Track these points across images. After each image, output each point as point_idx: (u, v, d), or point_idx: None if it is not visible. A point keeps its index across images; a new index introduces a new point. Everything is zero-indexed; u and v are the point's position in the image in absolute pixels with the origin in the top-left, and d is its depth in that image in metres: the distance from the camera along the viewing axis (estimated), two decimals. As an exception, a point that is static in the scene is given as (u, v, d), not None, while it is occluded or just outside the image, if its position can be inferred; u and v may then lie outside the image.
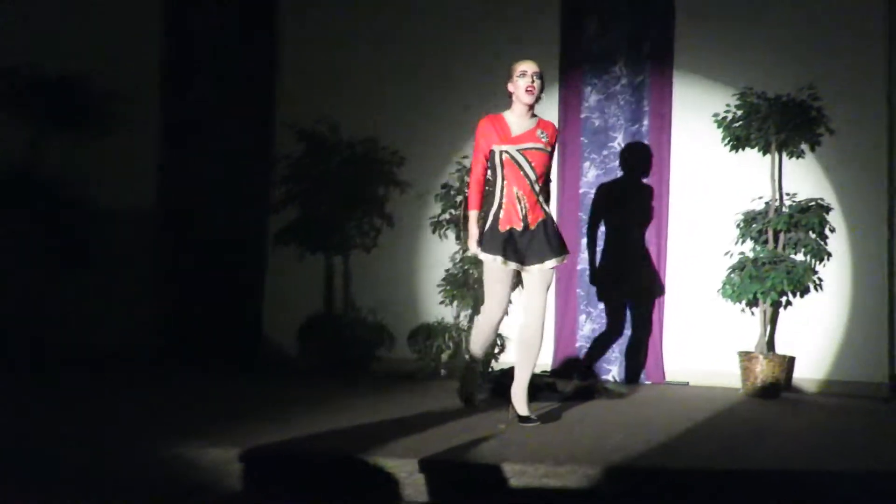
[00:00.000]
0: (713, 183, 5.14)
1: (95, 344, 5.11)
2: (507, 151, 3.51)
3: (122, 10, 5.55)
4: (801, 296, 4.75)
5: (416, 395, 4.36)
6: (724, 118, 4.84)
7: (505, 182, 3.53)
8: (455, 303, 5.12)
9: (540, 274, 3.51)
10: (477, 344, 3.75)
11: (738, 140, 4.85)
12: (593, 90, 5.37)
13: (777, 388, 4.61)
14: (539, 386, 4.43)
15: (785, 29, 5.10)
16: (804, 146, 4.80)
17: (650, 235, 5.20)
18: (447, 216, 5.17)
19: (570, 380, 4.76)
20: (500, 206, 3.52)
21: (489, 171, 3.61)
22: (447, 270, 5.17)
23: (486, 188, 3.61)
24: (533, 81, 3.50)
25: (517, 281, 3.62)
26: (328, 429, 3.28)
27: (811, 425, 3.71)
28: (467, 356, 3.92)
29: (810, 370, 4.93)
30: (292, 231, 5.33)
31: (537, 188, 3.54)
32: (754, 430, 3.47)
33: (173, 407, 3.77)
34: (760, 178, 4.89)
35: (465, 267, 5.06)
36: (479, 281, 4.99)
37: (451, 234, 5.18)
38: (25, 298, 5.00)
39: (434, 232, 5.20)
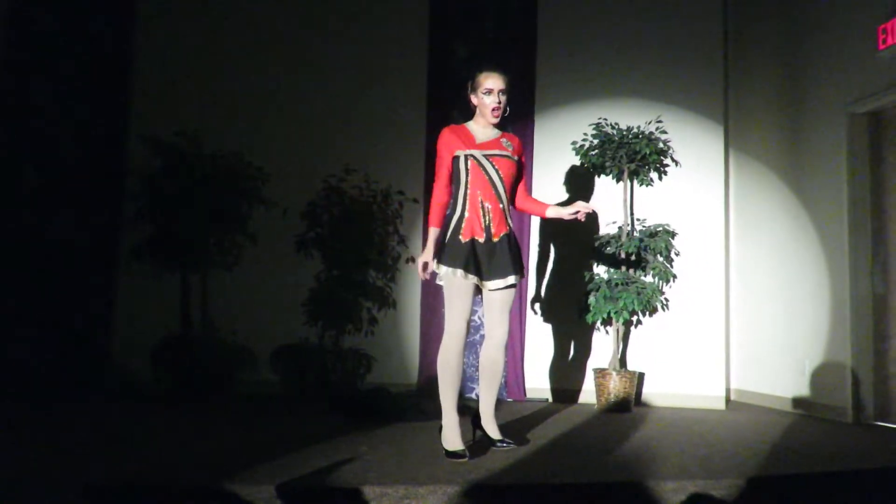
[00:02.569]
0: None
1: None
2: (472, 156, 3.27)
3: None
4: (651, 315, 5.05)
5: (277, 418, 4.24)
6: (582, 146, 5.08)
7: (469, 189, 3.26)
8: (320, 323, 5.04)
9: (501, 294, 3.28)
10: (446, 369, 3.24)
11: (594, 167, 5.11)
12: (460, 114, 5.48)
13: (628, 403, 4.85)
14: (404, 406, 4.44)
15: (637, 68, 5.48)
16: (653, 175, 5.13)
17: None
18: (312, 234, 5.09)
19: (435, 399, 4.78)
20: (461, 215, 3.26)
21: (452, 179, 3.33)
22: (312, 290, 5.08)
23: (450, 200, 3.34)
24: (499, 100, 3.31)
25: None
26: (180, 456, 3.12)
27: (656, 437, 3.92)
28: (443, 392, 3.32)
29: (658, 385, 5.24)
30: (147, 248, 5.03)
31: (505, 199, 3.30)
32: (605, 444, 3.62)
33: (7, 441, 3.45)
34: (615, 204, 5.18)
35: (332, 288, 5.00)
36: (345, 301, 4.97)
37: (317, 253, 5.09)
38: None
39: (299, 251, 5.09)
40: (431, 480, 2.74)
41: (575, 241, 5.32)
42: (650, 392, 5.26)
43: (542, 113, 5.53)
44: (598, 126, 5.08)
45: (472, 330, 5.28)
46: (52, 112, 5.27)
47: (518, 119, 5.41)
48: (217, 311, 5.23)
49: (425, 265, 3.31)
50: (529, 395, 5.30)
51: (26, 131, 5.25)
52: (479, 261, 3.25)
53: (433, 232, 3.33)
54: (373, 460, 3.07)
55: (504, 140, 3.39)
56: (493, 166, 3.30)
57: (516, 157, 3.37)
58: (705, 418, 4.67)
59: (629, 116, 5.20)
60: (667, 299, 5.03)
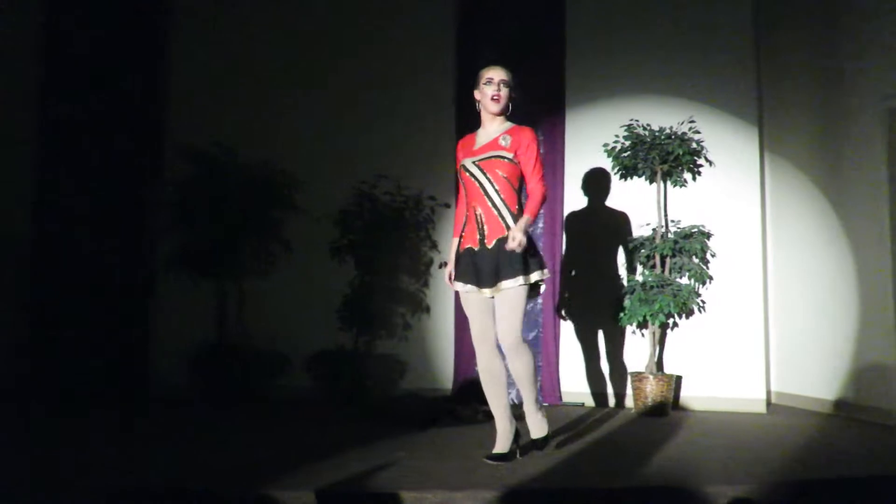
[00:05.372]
0: (605, 209, 5.34)
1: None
2: (464, 165, 3.31)
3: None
4: (687, 317, 4.98)
5: (313, 424, 4.28)
6: (613, 148, 5.04)
7: (467, 199, 3.33)
8: (354, 329, 5.07)
9: (500, 296, 3.22)
10: (481, 377, 3.35)
11: (626, 169, 5.06)
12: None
13: (666, 407, 4.79)
14: (439, 411, 4.44)
15: (667, 67, 5.40)
16: (687, 176, 5.07)
17: (545, 262, 5.32)
18: (345, 241, 5.13)
19: (470, 404, 4.79)
20: (464, 226, 3.35)
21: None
22: (345, 296, 5.12)
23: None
24: (499, 89, 3.30)
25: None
26: (220, 461, 3.16)
27: (695, 441, 3.87)
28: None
29: (696, 388, 5.17)
30: (183, 256, 5.11)
31: (496, 201, 3.24)
32: (644, 449, 3.58)
33: (45, 446, 3.54)
34: (648, 206, 5.12)
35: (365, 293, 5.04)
36: (379, 307, 5.01)
37: (350, 260, 5.13)
38: None
39: (333, 257, 5.14)
40: (468, 485, 2.74)
41: (608, 244, 5.28)
42: (688, 395, 5.18)
43: (573, 114, 5.48)
44: (629, 127, 5.03)
45: (506, 334, 5.26)
46: (91, 126, 5.39)
47: (549, 120, 5.40)
48: (253, 317, 5.28)
49: (451, 274, 3.40)
50: (565, 399, 5.26)
51: (67, 145, 5.38)
52: (476, 269, 3.25)
53: (453, 242, 3.44)
54: (409, 465, 3.08)
55: (503, 138, 3.31)
56: (482, 171, 3.27)
57: (510, 154, 3.26)
58: (745, 421, 4.59)
59: (661, 117, 5.14)
60: (703, 301, 4.96)
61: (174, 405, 4.87)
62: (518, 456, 3.29)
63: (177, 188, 5.15)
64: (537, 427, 3.41)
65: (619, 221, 5.29)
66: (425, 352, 5.42)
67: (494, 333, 3.31)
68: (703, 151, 5.03)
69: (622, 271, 5.17)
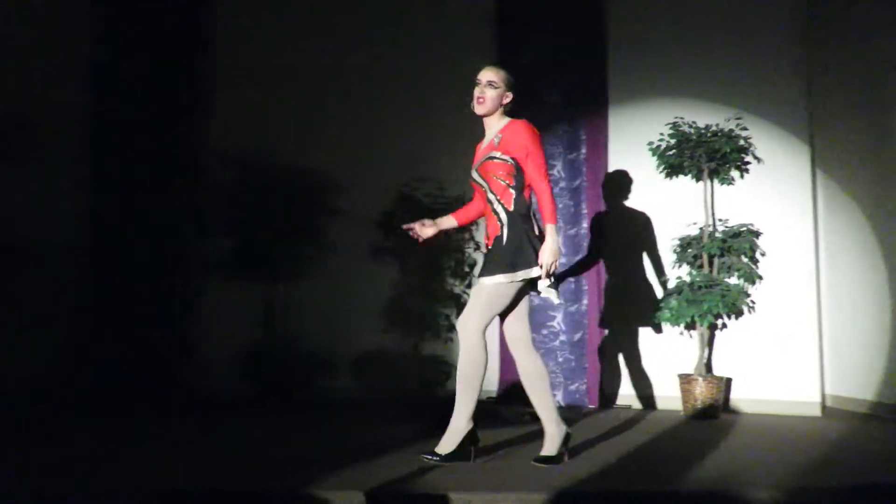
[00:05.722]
0: (650, 209, 5.26)
1: (12, 376, 4.85)
2: (470, 174, 3.39)
3: (47, 39, 5.40)
4: (736, 318, 4.88)
5: (358, 425, 4.30)
6: (658, 147, 4.97)
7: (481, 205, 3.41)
8: (398, 330, 5.10)
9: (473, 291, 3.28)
10: (524, 385, 3.40)
11: (671, 168, 4.98)
12: (531, 121, 5.46)
13: (716, 409, 4.70)
14: (484, 412, 4.42)
15: (713, 63, 5.30)
16: (734, 173, 4.96)
17: (588, 261, 5.28)
18: (388, 243, 5.16)
19: (514, 406, 4.76)
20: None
21: None
22: (389, 298, 5.15)
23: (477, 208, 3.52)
24: (483, 91, 3.31)
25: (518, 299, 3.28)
26: (270, 462, 3.20)
27: (747, 445, 3.79)
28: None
29: (747, 391, 5.05)
30: (228, 259, 5.20)
31: (493, 202, 3.26)
32: (694, 452, 3.52)
33: (99, 448, 3.62)
34: (694, 205, 5.03)
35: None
36: (422, 309, 5.03)
37: (393, 262, 5.16)
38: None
39: (376, 260, 5.17)
40: (515, 487, 2.73)
41: (653, 243, 5.19)
42: (738, 398, 5.07)
43: (615, 112, 5.40)
44: (674, 125, 4.95)
45: (552, 336, 5.23)
46: (139, 132, 5.51)
47: (592, 118, 5.34)
48: (297, 318, 5.33)
49: (414, 226, 3.41)
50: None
51: (118, 152, 5.50)
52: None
53: (446, 218, 3.50)
54: (455, 467, 3.07)
55: (496, 137, 3.31)
56: (481, 176, 3.31)
57: (499, 153, 3.24)
58: (798, 425, 4.47)
59: (706, 116, 5.03)
60: (753, 301, 4.85)
61: (220, 406, 4.94)
62: (566, 458, 3.25)
63: (222, 192, 5.24)
64: (445, 441, 3.16)
65: (664, 221, 5.20)
66: (469, 354, 5.39)
67: (523, 333, 3.32)
68: (751, 148, 4.93)
69: (668, 271, 5.08)
